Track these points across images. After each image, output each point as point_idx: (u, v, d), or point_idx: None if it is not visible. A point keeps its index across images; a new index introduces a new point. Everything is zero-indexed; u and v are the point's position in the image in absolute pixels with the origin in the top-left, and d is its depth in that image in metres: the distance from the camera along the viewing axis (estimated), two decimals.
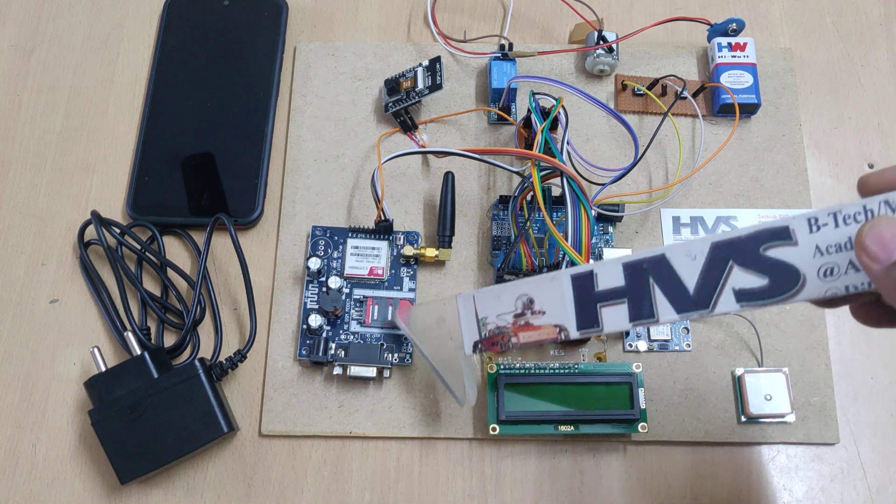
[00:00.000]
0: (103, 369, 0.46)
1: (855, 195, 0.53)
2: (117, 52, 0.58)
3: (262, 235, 0.53)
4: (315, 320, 0.48)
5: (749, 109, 0.54)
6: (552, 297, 0.38)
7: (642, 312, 0.35)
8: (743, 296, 0.33)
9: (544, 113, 0.48)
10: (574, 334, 0.37)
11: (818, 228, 0.31)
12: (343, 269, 0.50)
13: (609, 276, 0.36)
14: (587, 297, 0.37)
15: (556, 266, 0.47)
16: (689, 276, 0.34)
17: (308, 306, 0.50)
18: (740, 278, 0.33)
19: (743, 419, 0.47)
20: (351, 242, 0.51)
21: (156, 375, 0.45)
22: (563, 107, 0.48)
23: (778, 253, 0.32)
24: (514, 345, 0.39)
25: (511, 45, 0.55)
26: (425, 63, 0.53)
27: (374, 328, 0.49)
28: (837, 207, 0.30)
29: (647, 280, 0.35)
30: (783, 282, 0.31)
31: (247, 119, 0.54)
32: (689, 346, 0.49)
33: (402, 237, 0.51)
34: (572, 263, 0.44)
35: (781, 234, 0.31)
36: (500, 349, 0.40)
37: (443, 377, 0.43)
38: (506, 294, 0.39)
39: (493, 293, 0.40)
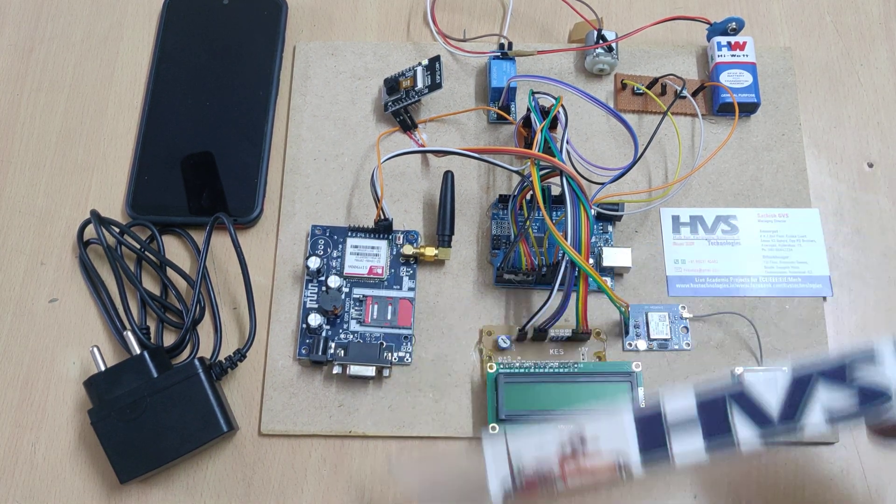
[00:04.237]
0: (103, 369, 0.46)
1: (853, 193, 0.53)
2: (117, 52, 0.58)
3: (261, 235, 0.53)
4: (315, 319, 0.48)
5: (748, 109, 0.54)
6: (609, 434, 0.36)
7: (720, 441, 0.35)
8: (831, 414, 0.34)
9: (544, 112, 0.48)
10: (638, 473, 0.36)
11: None
12: (342, 268, 0.50)
13: (679, 409, 0.36)
14: (653, 433, 0.35)
15: (555, 265, 0.47)
16: (772, 401, 0.35)
17: (308, 305, 0.50)
18: (826, 397, 0.34)
19: None
20: (350, 242, 0.51)
21: (155, 375, 0.45)
22: (562, 106, 0.48)
23: (864, 374, 0.34)
24: (560, 491, 0.36)
25: (511, 45, 0.55)
26: (425, 62, 0.53)
27: (374, 327, 0.49)
28: None
29: (725, 408, 0.35)
30: (871, 399, 0.34)
31: (246, 118, 0.54)
32: (688, 345, 0.49)
33: (401, 236, 0.51)
34: (572, 262, 0.44)
35: (868, 358, 0.34)
36: (539, 497, 0.37)
37: None
38: (549, 437, 0.36)
39: (530, 435, 0.37)
